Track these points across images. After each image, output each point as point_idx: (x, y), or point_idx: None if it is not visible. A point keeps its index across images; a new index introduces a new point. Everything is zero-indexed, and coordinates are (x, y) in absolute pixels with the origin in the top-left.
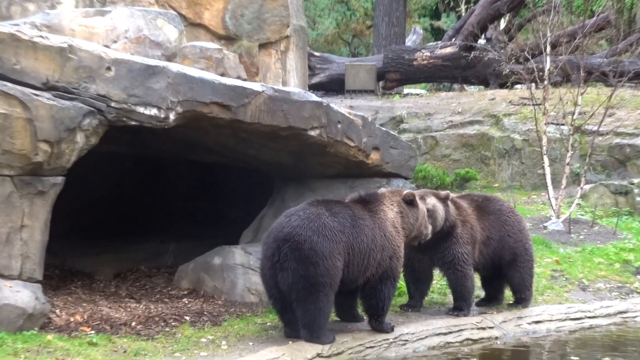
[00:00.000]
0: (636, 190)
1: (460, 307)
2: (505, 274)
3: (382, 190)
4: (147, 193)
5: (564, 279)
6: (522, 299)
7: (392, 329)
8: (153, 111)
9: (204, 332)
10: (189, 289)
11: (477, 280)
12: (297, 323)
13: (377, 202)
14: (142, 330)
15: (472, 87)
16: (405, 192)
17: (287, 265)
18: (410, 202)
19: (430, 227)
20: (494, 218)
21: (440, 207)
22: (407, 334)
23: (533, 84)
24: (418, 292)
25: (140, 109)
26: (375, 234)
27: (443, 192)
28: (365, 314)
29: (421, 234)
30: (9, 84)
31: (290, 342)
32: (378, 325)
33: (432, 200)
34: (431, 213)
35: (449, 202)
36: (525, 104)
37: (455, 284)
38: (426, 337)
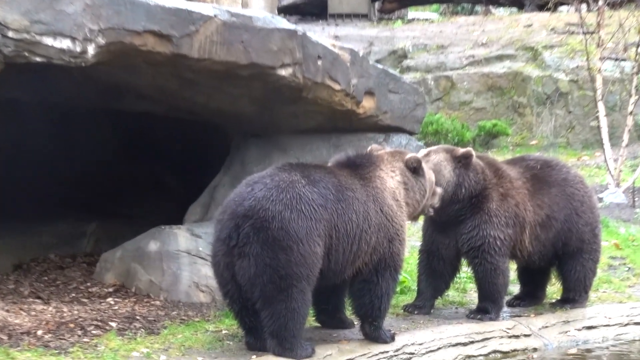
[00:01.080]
0: None
1: (485, 308)
2: (561, 266)
3: (379, 151)
4: (58, 155)
5: (626, 269)
6: (573, 300)
7: (392, 338)
8: (65, 43)
9: (136, 343)
10: (116, 285)
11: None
12: (262, 330)
13: (372, 166)
14: (52, 341)
15: (500, 9)
16: (408, 155)
17: (249, 250)
18: (414, 169)
19: (438, 194)
20: (557, 191)
21: (447, 167)
22: (413, 344)
23: (583, 5)
24: (431, 289)
25: (48, 41)
26: (369, 210)
27: (462, 150)
28: (356, 317)
29: (426, 207)
30: None
31: (254, 357)
32: (374, 331)
33: (438, 157)
34: (434, 173)
35: (474, 163)
36: (573, 32)
37: (483, 279)
38: (439, 348)
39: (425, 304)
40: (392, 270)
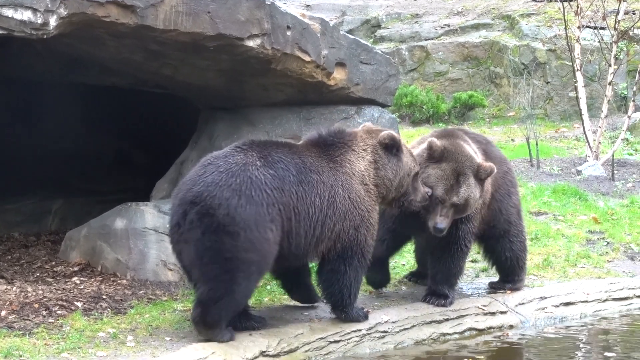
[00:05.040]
0: None
1: (444, 293)
2: (492, 248)
3: (354, 129)
4: (20, 130)
5: (605, 243)
6: (514, 280)
7: (365, 317)
8: (26, 14)
9: (102, 323)
10: (81, 264)
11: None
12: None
13: (343, 146)
14: (16, 321)
15: None
16: (383, 132)
17: (190, 236)
18: (387, 147)
19: (421, 193)
20: (498, 169)
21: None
22: (386, 322)
23: None
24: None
25: (8, 12)
26: (335, 195)
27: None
28: (326, 303)
29: (401, 197)
30: None
31: None
32: (345, 318)
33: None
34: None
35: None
36: (550, 0)
37: (450, 264)
38: (413, 326)
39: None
40: (360, 257)
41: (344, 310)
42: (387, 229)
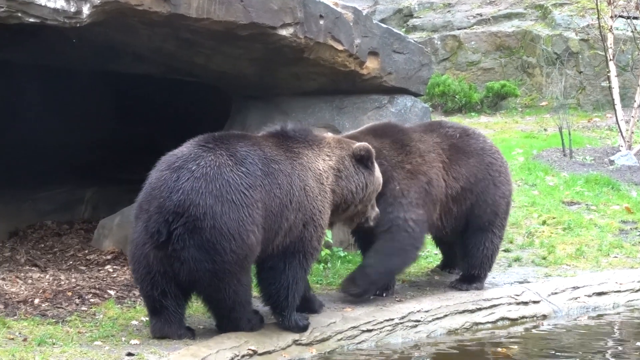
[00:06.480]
0: None
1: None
2: (467, 239)
3: (323, 134)
4: (53, 118)
5: (638, 233)
6: (477, 277)
7: (305, 328)
8: (59, 3)
9: (135, 311)
10: (114, 252)
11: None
12: (172, 313)
13: (304, 142)
14: (50, 309)
15: None
16: (357, 144)
17: (186, 254)
18: (361, 159)
19: (376, 213)
20: (475, 161)
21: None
22: (419, 311)
23: None
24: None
25: (41, 1)
26: (293, 185)
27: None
28: (266, 305)
29: (364, 214)
30: None
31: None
32: (282, 321)
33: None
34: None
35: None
36: None
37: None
38: (445, 315)
39: (389, 284)
40: (302, 256)
41: (282, 314)
42: None
